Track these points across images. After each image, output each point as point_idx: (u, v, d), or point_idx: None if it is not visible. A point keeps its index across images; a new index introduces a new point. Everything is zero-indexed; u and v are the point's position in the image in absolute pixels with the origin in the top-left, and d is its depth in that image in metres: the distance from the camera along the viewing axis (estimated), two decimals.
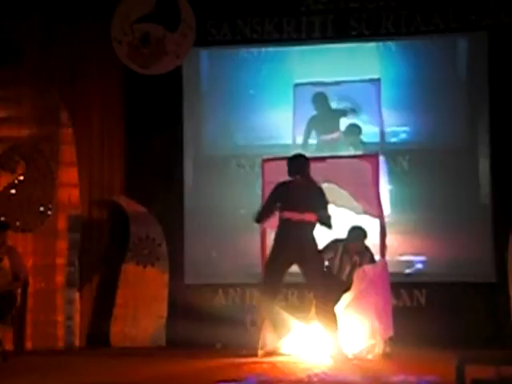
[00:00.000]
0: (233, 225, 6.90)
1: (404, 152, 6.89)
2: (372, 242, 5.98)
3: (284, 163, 5.98)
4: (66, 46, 7.10)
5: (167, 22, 6.93)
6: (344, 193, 5.95)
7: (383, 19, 6.85)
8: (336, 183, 5.93)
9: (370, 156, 6.07)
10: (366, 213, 6.03)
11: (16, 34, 7.04)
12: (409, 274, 6.78)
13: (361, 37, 6.92)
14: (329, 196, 5.85)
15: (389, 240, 5.88)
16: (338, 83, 6.90)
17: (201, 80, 7.35)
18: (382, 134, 6.80)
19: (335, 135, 7.06)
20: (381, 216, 5.90)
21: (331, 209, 5.61)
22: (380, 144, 6.89)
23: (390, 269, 5.86)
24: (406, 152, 6.89)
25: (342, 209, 6.20)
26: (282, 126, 7.01)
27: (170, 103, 7.10)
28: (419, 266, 6.77)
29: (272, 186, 5.63)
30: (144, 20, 6.95)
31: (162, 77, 6.99)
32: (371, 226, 5.97)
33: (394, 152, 6.88)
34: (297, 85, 6.97)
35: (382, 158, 6.19)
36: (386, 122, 6.87)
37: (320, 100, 7.06)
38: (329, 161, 6.11)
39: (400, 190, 6.81)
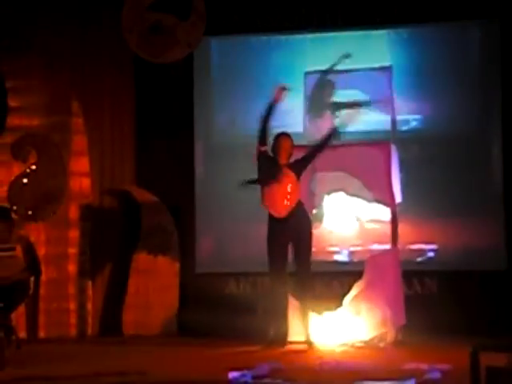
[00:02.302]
0: (244, 213, 6.89)
1: (416, 140, 6.85)
2: (384, 230, 5.97)
3: (294, 152, 5.98)
4: (76, 36, 7.08)
5: (178, 11, 6.91)
6: (355, 181, 5.94)
7: (394, 6, 6.81)
8: (347, 171, 5.92)
9: (382, 144, 6.04)
10: (377, 201, 6.03)
11: (26, 23, 7.03)
12: (420, 262, 6.76)
13: (371, 24, 6.89)
14: (340, 184, 5.85)
15: (400, 228, 5.86)
16: (348, 71, 6.87)
17: (211, 68, 7.33)
18: (394, 122, 6.76)
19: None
20: (392, 204, 5.89)
21: (343, 197, 5.63)
22: (392, 132, 6.85)
23: (402, 257, 5.85)
24: (418, 140, 6.85)
25: (353, 197, 6.20)
26: (292, 114, 6.99)
27: (180, 92, 7.10)
28: (431, 254, 6.75)
29: None
30: (155, 9, 6.92)
31: (172, 66, 6.97)
32: (383, 214, 5.96)
33: (405, 140, 6.84)
34: (307, 73, 6.94)
35: (393, 147, 6.15)
36: (397, 110, 6.83)
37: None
38: (340, 149, 6.09)
39: (412, 179, 6.77)
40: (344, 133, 5.91)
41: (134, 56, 7.06)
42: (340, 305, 5.86)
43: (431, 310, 6.35)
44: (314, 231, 5.73)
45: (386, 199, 5.90)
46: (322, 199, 6.42)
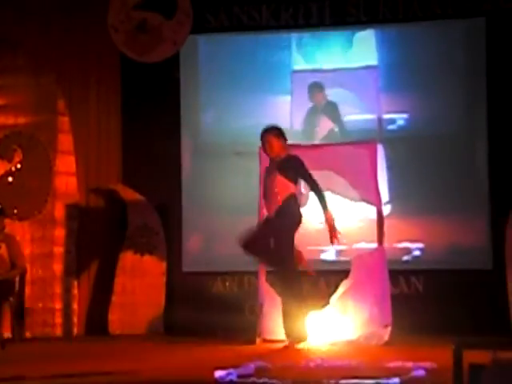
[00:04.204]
0: (231, 212, 6.90)
1: (402, 139, 6.88)
2: (370, 228, 5.99)
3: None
4: (62, 34, 7.07)
5: (164, 10, 6.90)
6: (341, 180, 5.95)
7: (381, 5, 6.83)
8: (333, 170, 5.93)
9: (368, 143, 6.06)
10: (363, 200, 6.04)
11: (12, 22, 7.00)
12: (407, 261, 6.79)
13: (358, 23, 6.90)
14: (326, 183, 5.85)
15: (387, 227, 5.88)
16: (335, 70, 6.89)
17: (198, 67, 7.32)
18: (380, 121, 6.79)
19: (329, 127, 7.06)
20: (378, 203, 5.90)
21: (329, 196, 5.63)
22: (378, 131, 6.88)
23: (389, 256, 5.87)
24: (404, 139, 6.87)
25: (339, 196, 6.21)
26: (280, 112, 7.00)
27: (167, 90, 7.08)
28: (417, 252, 6.77)
29: None
30: (141, 7, 6.91)
31: (159, 64, 6.96)
32: (369, 213, 5.97)
33: (392, 139, 6.87)
34: (295, 71, 6.95)
35: (380, 145, 6.18)
36: (384, 109, 6.85)
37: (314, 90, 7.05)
38: (326, 148, 6.11)
39: (398, 177, 6.80)
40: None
41: (121, 55, 7.04)
42: (327, 303, 5.88)
43: (417, 308, 6.38)
44: (301, 230, 5.72)
45: (372, 198, 5.92)
46: (308, 198, 6.43)
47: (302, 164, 5.55)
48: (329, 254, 6.78)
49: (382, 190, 6.03)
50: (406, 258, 6.79)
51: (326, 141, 6.84)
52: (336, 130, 7.02)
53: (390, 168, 6.82)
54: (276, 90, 7.03)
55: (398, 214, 6.63)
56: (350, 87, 6.91)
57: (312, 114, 7.09)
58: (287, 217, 5.55)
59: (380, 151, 6.15)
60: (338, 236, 5.51)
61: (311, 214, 6.46)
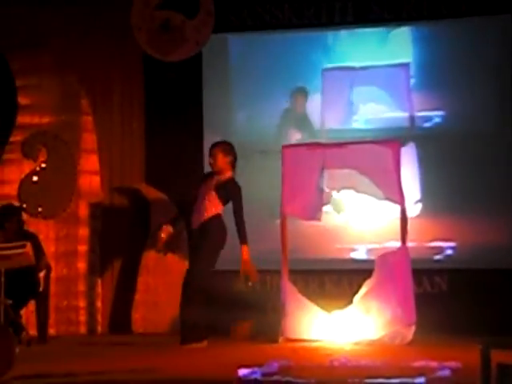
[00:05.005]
0: (253, 211, 6.88)
1: (434, 137, 6.71)
2: (394, 228, 5.95)
3: (304, 150, 5.98)
4: (86, 34, 7.10)
5: (187, 9, 6.91)
6: (364, 179, 5.92)
7: (404, 3, 6.77)
8: (356, 169, 5.90)
9: (391, 142, 6.02)
10: (387, 199, 6.00)
11: (37, 22, 7.06)
12: (438, 260, 6.65)
13: (381, 21, 6.85)
14: (349, 182, 5.83)
15: (419, 226, 5.80)
16: (366, 68, 6.82)
17: (221, 66, 7.31)
18: (412, 119, 6.70)
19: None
20: (402, 202, 5.87)
21: (351, 194, 5.61)
22: (410, 129, 6.79)
23: (420, 255, 5.80)
24: (436, 137, 6.70)
25: (363, 195, 6.18)
26: (310, 111, 6.96)
27: (190, 90, 7.10)
28: (449, 251, 6.64)
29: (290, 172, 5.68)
30: (164, 7, 6.93)
31: (182, 63, 6.98)
32: (393, 212, 5.92)
33: (424, 137, 6.74)
34: (325, 70, 6.90)
35: (411, 144, 6.09)
36: (415, 107, 6.75)
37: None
38: (350, 147, 6.08)
39: (430, 176, 6.69)
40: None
41: (144, 54, 7.07)
42: (350, 303, 5.86)
43: (442, 308, 6.31)
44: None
45: (396, 197, 5.89)
46: (330, 197, 6.41)
47: (238, 191, 5.68)
48: (359, 252, 6.69)
49: (414, 188, 5.95)
50: (438, 257, 6.64)
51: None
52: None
53: (422, 166, 6.71)
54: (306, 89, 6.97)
55: (430, 213, 6.52)
56: (380, 85, 6.82)
57: (288, 118, 6.99)
58: (210, 236, 5.64)
59: (412, 149, 6.08)
60: (254, 276, 5.63)
61: (342, 213, 6.45)
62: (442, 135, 6.74)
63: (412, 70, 6.74)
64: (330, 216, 6.47)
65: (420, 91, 6.77)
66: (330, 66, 6.91)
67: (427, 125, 6.81)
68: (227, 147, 5.75)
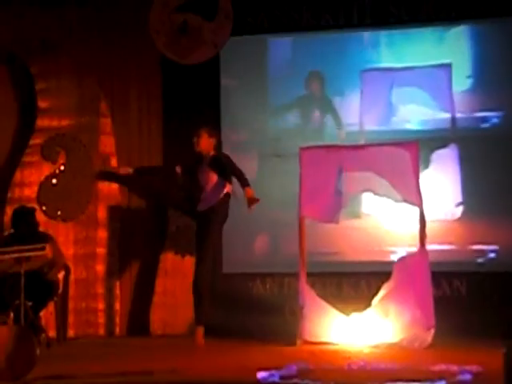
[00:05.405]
0: (271, 213, 6.88)
1: (476, 138, 6.59)
2: (412, 231, 5.91)
3: (321, 152, 5.97)
4: (104, 37, 7.14)
5: (205, 12, 6.93)
6: (383, 181, 5.90)
7: (423, 4, 6.73)
8: (375, 171, 5.88)
9: (409, 144, 5.99)
10: (405, 201, 5.98)
11: (55, 25, 7.11)
12: (482, 264, 6.51)
13: (400, 23, 6.81)
14: (368, 184, 5.79)
15: (461, 228, 5.72)
16: (406, 69, 6.76)
17: (238, 68, 7.31)
18: (454, 120, 6.62)
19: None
20: (420, 204, 5.84)
21: (370, 197, 5.57)
22: (452, 130, 6.71)
23: (463, 258, 5.70)
24: (478, 138, 6.59)
25: (381, 197, 6.16)
26: (349, 112, 6.92)
27: (207, 92, 7.10)
28: (492, 255, 6.51)
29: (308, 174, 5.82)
30: (182, 10, 6.95)
31: (200, 66, 6.99)
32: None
33: (466, 138, 6.62)
34: (364, 70, 6.86)
35: (453, 145, 5.99)
36: (457, 108, 6.66)
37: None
38: (367, 149, 6.06)
39: (471, 178, 6.59)
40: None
41: (162, 56, 7.09)
42: (368, 306, 5.83)
43: (462, 311, 6.26)
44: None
45: (414, 199, 5.86)
46: (349, 199, 6.38)
47: (227, 156, 6.16)
48: (399, 255, 6.61)
49: (455, 191, 5.85)
50: (480, 260, 6.52)
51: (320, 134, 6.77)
52: (328, 124, 6.91)
53: (464, 168, 6.61)
54: (345, 90, 6.93)
55: (471, 216, 6.43)
56: (421, 86, 6.74)
57: (305, 102, 6.96)
58: (217, 216, 6.08)
59: (453, 151, 5.99)
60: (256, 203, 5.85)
61: (383, 216, 6.39)
62: (482, 136, 6.54)
63: (469, 70, 6.63)
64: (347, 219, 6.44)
65: (460, 92, 6.66)
66: (368, 66, 6.85)
67: (468, 126, 6.66)
68: (212, 130, 6.27)
